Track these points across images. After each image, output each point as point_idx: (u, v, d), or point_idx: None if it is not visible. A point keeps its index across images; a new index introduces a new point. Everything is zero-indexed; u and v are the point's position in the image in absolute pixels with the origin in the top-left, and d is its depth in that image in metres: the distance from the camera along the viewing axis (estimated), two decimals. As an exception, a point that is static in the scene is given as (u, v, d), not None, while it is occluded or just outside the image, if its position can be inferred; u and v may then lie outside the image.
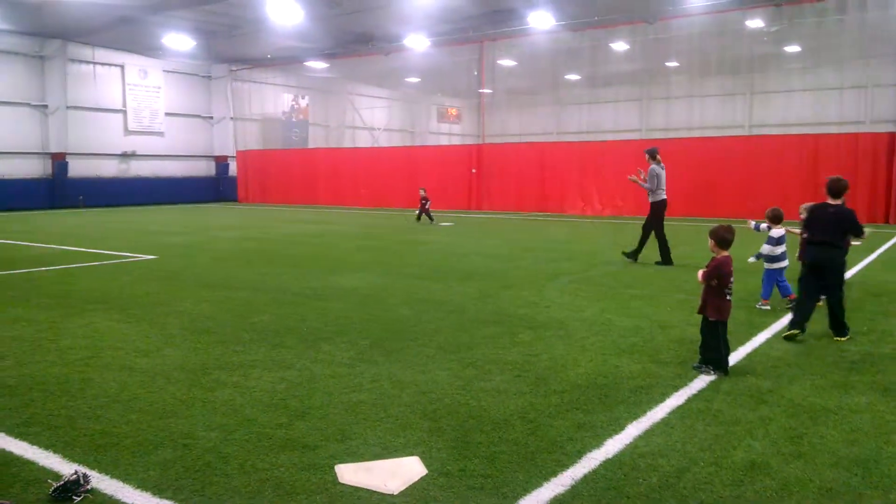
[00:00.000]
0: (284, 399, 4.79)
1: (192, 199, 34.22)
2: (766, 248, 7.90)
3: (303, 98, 39.47)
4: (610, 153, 25.20)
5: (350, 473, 3.63)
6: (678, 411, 4.59)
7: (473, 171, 28.47)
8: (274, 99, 38.09)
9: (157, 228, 19.43)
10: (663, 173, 11.78)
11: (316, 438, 4.10)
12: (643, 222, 11.94)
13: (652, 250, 11.64)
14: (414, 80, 39.36)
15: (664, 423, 4.39)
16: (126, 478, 3.60)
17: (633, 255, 11.84)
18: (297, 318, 7.45)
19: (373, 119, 42.17)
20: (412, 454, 3.89)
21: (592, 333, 6.73)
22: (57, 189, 29.71)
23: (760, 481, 3.57)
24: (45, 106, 29.49)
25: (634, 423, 4.38)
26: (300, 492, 3.44)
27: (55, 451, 3.93)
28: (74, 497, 3.36)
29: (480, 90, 32.82)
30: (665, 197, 11.80)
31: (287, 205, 32.17)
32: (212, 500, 3.36)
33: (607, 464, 3.78)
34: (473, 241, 15.77)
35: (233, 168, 36.28)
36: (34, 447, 3.99)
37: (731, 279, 5.48)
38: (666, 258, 11.58)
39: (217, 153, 36.53)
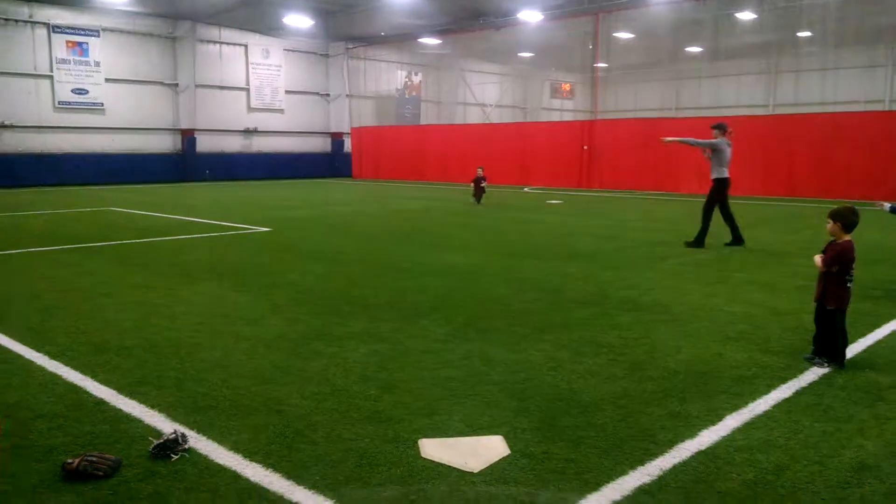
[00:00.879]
0: (376, 372, 4.86)
1: (309, 174, 35.41)
2: None
3: (416, 75, 39.86)
4: (731, 129, 23.97)
5: (432, 448, 3.64)
6: (784, 405, 4.31)
7: (585, 147, 27.85)
8: (388, 76, 38.65)
9: (273, 202, 20.23)
10: (729, 150, 11.15)
11: (402, 412, 4.14)
12: (703, 203, 11.25)
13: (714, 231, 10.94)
14: (527, 55, 38.88)
15: (767, 416, 4.13)
16: (221, 439, 3.77)
17: (698, 242, 10.99)
18: (396, 292, 7.55)
19: (484, 95, 42.07)
20: (496, 433, 3.85)
21: (697, 319, 6.43)
22: (186, 163, 31.49)
23: (869, 484, 3.30)
24: (176, 84, 31.22)
25: (734, 414, 4.15)
26: (382, 463, 3.48)
27: (160, 411, 4.16)
28: (172, 455, 3.54)
29: (595, 64, 31.97)
30: (728, 175, 11.15)
31: (398, 180, 32.70)
32: (297, 466, 3.46)
33: (700, 455, 3.60)
34: (580, 220, 15.46)
35: (347, 144, 37.20)
36: (142, 405, 4.24)
37: (853, 266, 5.07)
38: (737, 238, 10.95)
39: (333, 130, 37.54)
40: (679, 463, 3.51)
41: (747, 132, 23.57)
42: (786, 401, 4.38)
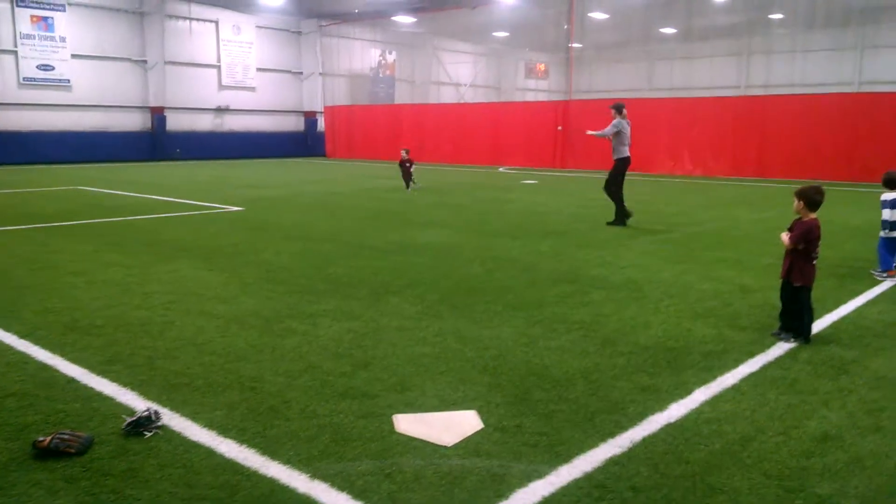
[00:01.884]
0: (349, 349, 4.88)
1: (282, 153, 35.06)
2: (886, 214, 7.30)
3: (390, 54, 39.55)
4: (703, 110, 24.21)
5: (406, 423, 3.67)
6: (751, 378, 4.41)
7: (559, 128, 27.90)
8: (361, 54, 38.31)
9: (246, 181, 20.03)
10: (628, 129, 11.27)
11: (376, 388, 4.16)
12: (603, 184, 11.56)
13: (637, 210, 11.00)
14: (501, 34, 38.76)
15: (734, 389, 4.23)
16: (195, 416, 3.76)
17: (620, 220, 11.21)
18: (370, 271, 7.55)
19: (458, 75, 41.91)
20: (470, 408, 3.89)
21: (668, 296, 6.53)
22: (156, 142, 31.01)
23: (831, 454, 3.40)
24: (145, 61, 30.63)
25: (702, 388, 4.24)
26: (356, 438, 3.51)
27: (132, 389, 4.14)
28: (146, 433, 3.53)
29: (569, 44, 31.98)
30: (629, 154, 11.36)
31: (372, 160, 32.51)
32: (271, 441, 3.47)
33: (669, 428, 3.67)
34: (555, 200, 15.54)
35: (321, 123, 36.87)
36: (114, 384, 4.22)
37: (819, 243, 5.17)
38: (620, 218, 11.21)
39: (306, 108, 37.16)
40: (648, 435, 3.59)
41: (719, 113, 23.81)
42: (753, 375, 4.48)
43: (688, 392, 4.16)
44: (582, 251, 8.85)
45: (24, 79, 27.16)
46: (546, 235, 10.14)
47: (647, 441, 3.53)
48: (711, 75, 34.01)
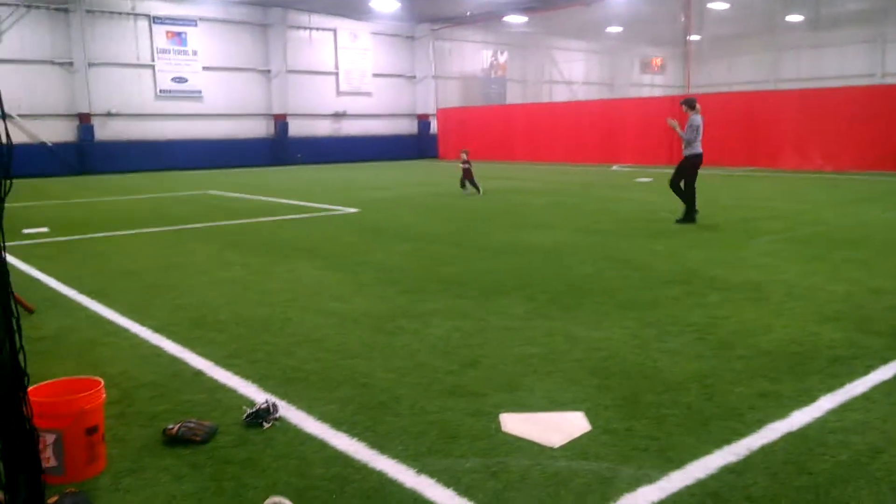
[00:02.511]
0: (458, 347, 4.93)
1: (396, 156, 35.82)
2: None
3: (501, 54, 39.57)
4: (834, 101, 22.74)
5: (513, 423, 3.67)
6: (883, 387, 4.11)
7: (674, 122, 27.00)
8: (473, 56, 38.56)
9: (361, 184, 20.61)
10: (702, 124, 10.86)
11: (484, 387, 4.18)
12: (670, 180, 11.25)
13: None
14: (615, 30, 37.91)
15: (864, 398, 3.95)
16: (310, 410, 3.91)
17: (691, 217, 10.88)
18: (480, 271, 7.59)
19: (571, 73, 41.35)
20: (578, 409, 3.84)
21: (792, 298, 6.18)
22: (279, 147, 32.44)
23: (976, 471, 3.12)
24: (269, 71, 32.12)
25: (828, 395, 3.98)
26: (464, 436, 3.54)
27: (253, 382, 4.36)
28: (264, 423, 3.71)
29: (687, 37, 30.87)
30: (701, 150, 10.92)
31: (484, 160, 32.65)
32: (381, 436, 3.56)
33: (790, 437, 3.48)
34: (670, 199, 15.02)
35: (434, 126, 37.39)
36: (236, 377, 4.45)
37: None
38: (690, 215, 10.89)
39: (419, 111, 37.79)
40: (767, 443, 3.42)
41: (850, 104, 22.32)
42: (886, 383, 4.17)
43: (812, 399, 3.93)
44: (698, 251, 8.53)
45: (160, 91, 29.12)
46: (660, 235, 9.85)
47: (766, 449, 3.36)
48: (842, 64, 31.89)
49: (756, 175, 21.66)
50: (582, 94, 40.08)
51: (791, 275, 7.10)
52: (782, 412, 3.77)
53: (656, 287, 6.68)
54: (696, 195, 11.07)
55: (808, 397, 3.96)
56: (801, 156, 23.47)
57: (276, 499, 1.94)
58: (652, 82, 43.46)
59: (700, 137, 10.87)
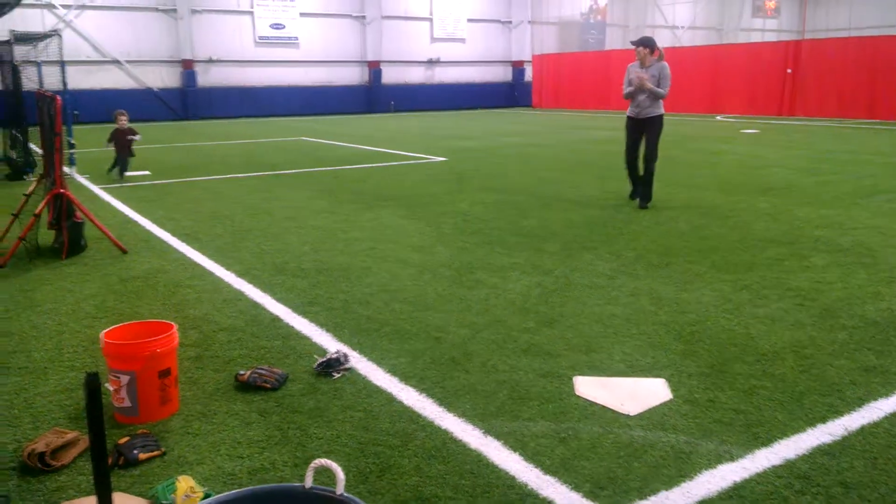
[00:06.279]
0: (536, 304, 4.76)
1: (489, 104, 35.32)
2: None
3: (602, -2, 38.03)
4: None
5: (587, 387, 3.50)
6: None
7: (789, 71, 25.32)
8: (572, 0, 37.18)
9: (452, 133, 20.41)
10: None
11: (560, 347, 4.01)
12: (644, 152, 8.21)
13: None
14: (726, -30, 35.65)
15: None
16: (380, 361, 3.86)
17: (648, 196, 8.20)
18: (564, 224, 7.34)
19: (676, 17, 39.34)
20: (659, 376, 3.63)
21: (908, 263, 5.66)
22: (372, 95, 32.55)
23: None
24: (364, 17, 32.04)
25: (944, 374, 3.61)
26: (534, 398, 3.40)
27: (327, 330, 4.35)
28: (334, 374, 3.68)
29: (805, -22, 28.65)
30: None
31: (580, 110, 31.74)
32: (449, 393, 3.46)
33: (894, 417, 3.17)
34: (778, 152, 14.14)
35: (528, 73, 36.53)
36: (312, 325, 4.45)
37: None
38: (648, 194, 8.24)
39: (514, 58, 36.96)
40: (868, 424, 3.12)
41: None
42: None
43: (924, 378, 3.57)
44: (805, 209, 7.95)
45: (259, 38, 29.60)
46: (764, 191, 9.25)
47: (867, 430, 3.06)
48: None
49: (876, 128, 20.09)
50: (686, 39, 38.11)
51: (908, 238, 6.51)
52: (888, 390, 3.44)
53: (755, 247, 6.26)
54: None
55: (920, 375, 3.59)
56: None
57: (323, 462, 1.85)
58: (764, 27, 40.82)
59: None
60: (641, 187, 8.29)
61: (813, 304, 4.71)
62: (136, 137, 11.02)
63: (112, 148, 11.05)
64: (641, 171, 8.32)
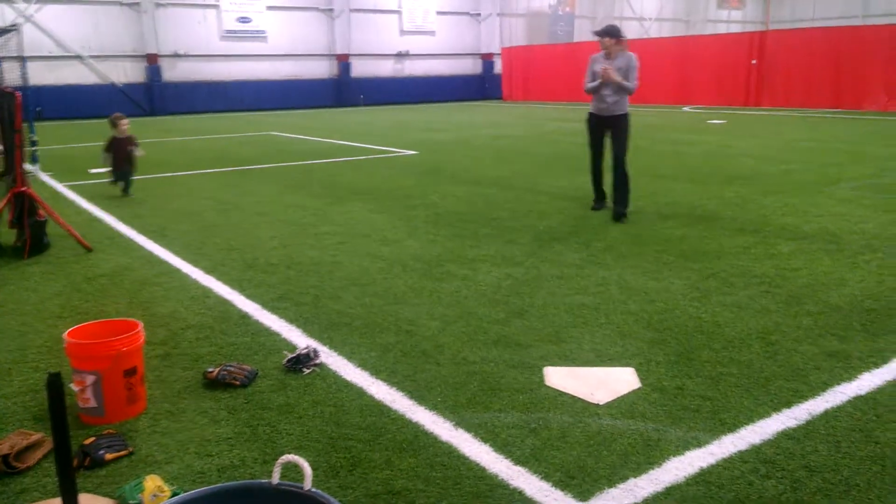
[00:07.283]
0: (507, 296, 4.77)
1: (459, 97, 35.28)
2: None
3: (570, -11, 38.13)
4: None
5: (557, 377, 3.52)
6: (968, 349, 3.78)
7: (753, 62, 25.63)
8: (541, -8, 37.27)
9: (422, 125, 20.36)
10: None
11: (530, 338, 4.03)
12: (613, 154, 7.35)
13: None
14: (692, -38, 35.96)
15: (945, 361, 3.64)
16: (350, 356, 3.85)
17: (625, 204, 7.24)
18: (535, 216, 7.37)
19: (643, 9, 39.63)
20: (628, 365, 3.66)
21: (870, 249, 5.77)
22: (341, 88, 32.34)
23: None
24: (332, 10, 31.79)
25: (904, 357, 3.69)
26: (504, 389, 3.41)
27: (297, 326, 4.32)
28: (304, 369, 3.66)
29: (769, -31, 29.01)
30: None
31: (550, 101, 31.84)
32: (420, 386, 3.46)
33: (857, 401, 3.23)
34: (744, 141, 14.33)
35: (498, 66, 36.54)
36: (281, 320, 4.42)
37: None
38: (624, 202, 7.24)
39: (483, 51, 36.94)
40: (832, 408, 3.17)
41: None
42: (971, 345, 3.83)
43: (884, 361, 3.64)
44: (771, 197, 8.07)
45: (225, 31, 29.23)
46: (730, 180, 9.37)
47: (830, 414, 3.12)
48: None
49: (841, 117, 20.44)
50: (654, 30, 38.42)
51: (872, 224, 6.64)
52: (850, 374, 3.51)
53: (722, 236, 6.35)
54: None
55: (881, 358, 3.67)
56: (892, 97, 22.00)
57: (290, 457, 1.83)
58: (729, 18, 41.30)
59: None
60: (615, 193, 7.27)
61: (779, 290, 4.78)
62: (139, 153, 9.37)
63: (108, 162, 9.16)
64: (611, 182, 7.38)
